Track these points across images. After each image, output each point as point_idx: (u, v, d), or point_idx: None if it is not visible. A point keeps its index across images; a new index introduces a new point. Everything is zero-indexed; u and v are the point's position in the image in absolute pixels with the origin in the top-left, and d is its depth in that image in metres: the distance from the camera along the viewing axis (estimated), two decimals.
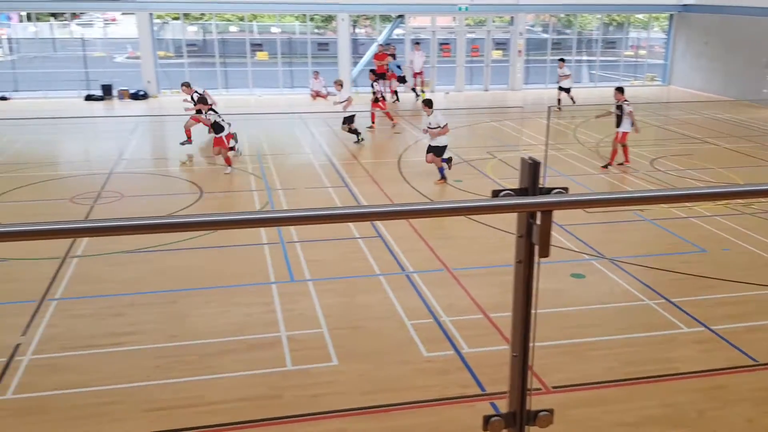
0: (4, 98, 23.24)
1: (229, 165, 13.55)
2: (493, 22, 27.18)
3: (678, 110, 21.93)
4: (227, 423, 5.56)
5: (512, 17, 26.31)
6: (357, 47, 28.49)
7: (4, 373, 6.20)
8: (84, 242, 9.34)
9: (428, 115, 12.73)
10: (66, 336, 6.89)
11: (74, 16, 31.39)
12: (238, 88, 25.45)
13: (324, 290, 8.05)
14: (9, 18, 36.83)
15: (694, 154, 15.20)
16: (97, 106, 22.61)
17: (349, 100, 16.20)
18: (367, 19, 32.24)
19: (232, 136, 14.03)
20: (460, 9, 25.10)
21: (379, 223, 10.20)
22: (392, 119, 18.90)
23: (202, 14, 28.86)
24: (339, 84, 16.85)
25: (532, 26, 31.92)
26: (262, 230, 9.84)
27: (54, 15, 31.67)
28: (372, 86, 18.92)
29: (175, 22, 31.23)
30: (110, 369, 6.33)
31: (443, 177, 12.68)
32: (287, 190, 12.32)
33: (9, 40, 34.87)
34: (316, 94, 23.75)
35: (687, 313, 7.50)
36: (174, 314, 7.47)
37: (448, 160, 12.89)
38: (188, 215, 1.61)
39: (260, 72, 25.74)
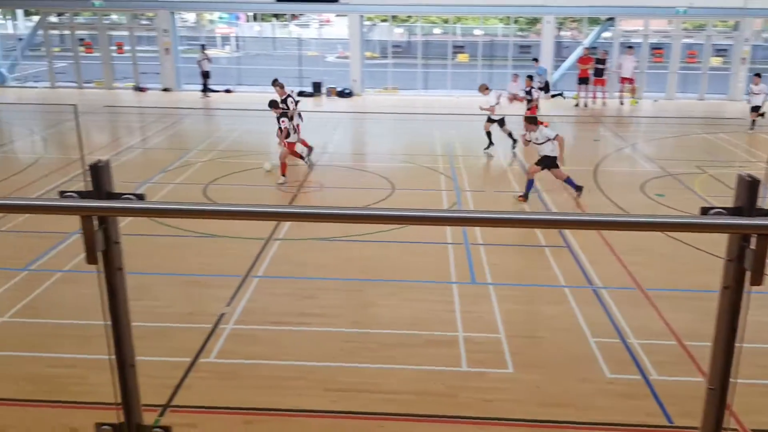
0: (228, 91, 25.73)
1: (283, 174, 12.66)
2: (714, 26, 25.02)
3: None
4: (401, 413, 5.70)
5: (737, 22, 24.03)
6: (560, 50, 27.72)
7: (209, 338, 6.87)
8: (286, 227, 10.06)
9: (532, 132, 11.58)
10: (263, 311, 7.48)
11: (293, 17, 33.87)
12: (437, 89, 25.91)
13: (505, 295, 7.94)
14: (238, 18, 40.69)
15: None
16: (307, 102, 24.23)
17: (492, 108, 15.61)
18: (573, 21, 31.22)
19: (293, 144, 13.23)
20: (678, 12, 23.41)
21: (567, 233, 9.85)
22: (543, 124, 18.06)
23: (409, 16, 29.74)
24: (485, 88, 16.06)
25: (761, 32, 28.88)
26: (448, 229, 9.94)
27: (276, 16, 34.43)
28: (529, 92, 18.10)
29: (383, 24, 32.54)
30: (298, 346, 6.76)
31: (525, 196, 11.53)
32: (476, 192, 12.32)
33: (236, 38, 38.48)
34: (513, 97, 23.47)
35: None
36: (359, 302, 7.81)
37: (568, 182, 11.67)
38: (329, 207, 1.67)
39: (460, 74, 25.98)
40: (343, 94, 24.89)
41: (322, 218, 1.87)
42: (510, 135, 15.76)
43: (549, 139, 11.43)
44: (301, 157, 13.35)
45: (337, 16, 32.27)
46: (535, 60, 23.30)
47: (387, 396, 5.94)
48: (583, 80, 22.75)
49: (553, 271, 8.70)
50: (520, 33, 34.94)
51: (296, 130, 13.38)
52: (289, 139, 13.04)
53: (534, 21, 31.85)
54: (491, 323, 7.26)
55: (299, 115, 13.97)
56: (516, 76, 23.73)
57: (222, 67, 29.13)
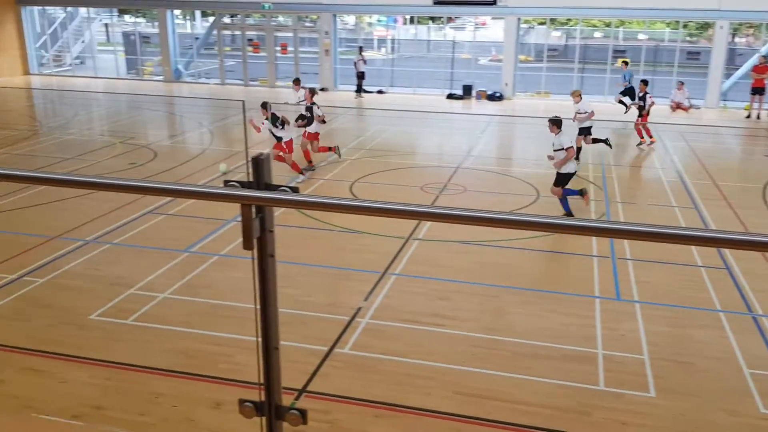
0: (381, 92, 26.37)
1: (299, 173, 12.78)
2: None
3: None
4: (531, 426, 5.56)
5: None
6: (733, 58, 25.71)
7: (346, 329, 7.09)
8: (426, 227, 10.14)
9: (555, 135, 10.87)
10: (398, 308, 7.59)
11: (450, 20, 34.02)
12: (593, 94, 24.96)
13: (652, 315, 7.50)
14: (395, 21, 41.50)
15: None
16: (456, 104, 24.26)
17: (591, 113, 14.62)
18: (750, 27, 28.83)
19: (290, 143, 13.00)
20: None
21: (728, 253, 9.12)
22: (641, 137, 16.61)
23: (569, 19, 28.89)
24: (578, 95, 14.88)
25: None
26: (594, 241, 9.56)
27: (432, 19, 34.78)
28: (643, 99, 16.60)
29: (540, 27, 31.85)
30: (430, 346, 6.80)
31: (568, 212, 10.74)
32: (626, 204, 11.73)
33: (392, 40, 39.29)
34: (677, 106, 22.10)
35: None
36: (494, 308, 7.70)
37: (580, 192, 10.92)
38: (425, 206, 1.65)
39: (619, 79, 24.84)
40: (493, 97, 24.66)
41: (446, 219, 1.87)
42: (605, 140, 14.93)
43: (563, 148, 10.70)
44: (301, 172, 12.92)
45: (494, 18, 31.97)
46: (625, 63, 21.68)
47: (516, 406, 5.82)
48: (757, 90, 20.94)
49: (709, 293, 8.09)
50: (688, 38, 32.82)
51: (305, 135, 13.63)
52: (284, 139, 12.90)
53: (705, 26, 29.76)
54: (635, 343, 6.89)
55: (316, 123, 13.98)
56: (681, 83, 22.34)
57: (376, 69, 29.89)
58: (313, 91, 14.38)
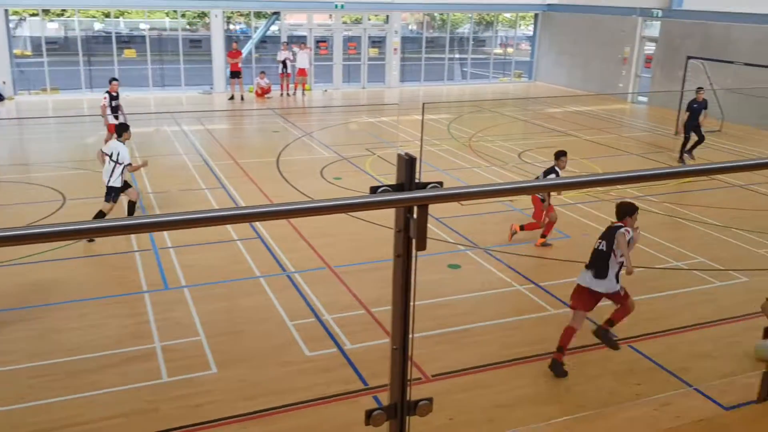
0: None
1: None
2: (369, 20, 27.41)
3: (542, 105, 23.11)
4: None
5: (387, 16, 26.67)
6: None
7: None
8: None
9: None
10: None
11: None
12: (103, 87, 24.10)
13: (201, 296, 7.81)
14: None
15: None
16: None
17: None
18: (241, 15, 31.59)
19: None
20: (336, 6, 25.15)
21: (258, 224, 10.02)
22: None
23: (64, 10, 27.10)
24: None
25: (408, 25, 32.40)
26: (133, 237, 9.43)
27: None
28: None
29: (33, 18, 29.11)
30: None
31: None
32: (159, 194, 11.82)
33: None
34: (263, 92, 23.29)
35: (553, 296, 7.93)
36: (44, 330, 6.97)
37: None
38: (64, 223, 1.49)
39: (129, 71, 24.55)
40: None
41: None
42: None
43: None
44: None
45: None
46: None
47: (88, 427, 5.46)
48: (234, 74, 22.84)
49: (248, 263, 8.79)
50: (188, 27, 34.21)
51: None
52: None
53: (202, 15, 31.43)
54: (190, 327, 7.09)
55: None
56: (263, 73, 23.42)
57: None
58: None
